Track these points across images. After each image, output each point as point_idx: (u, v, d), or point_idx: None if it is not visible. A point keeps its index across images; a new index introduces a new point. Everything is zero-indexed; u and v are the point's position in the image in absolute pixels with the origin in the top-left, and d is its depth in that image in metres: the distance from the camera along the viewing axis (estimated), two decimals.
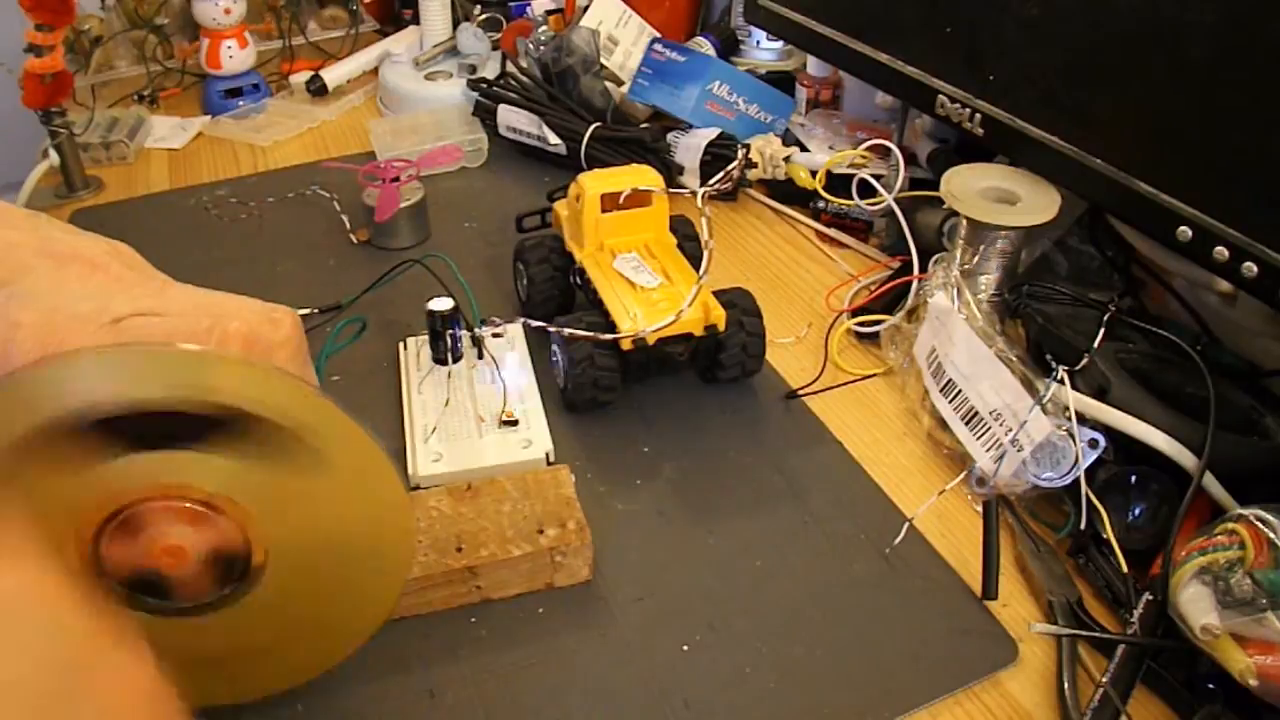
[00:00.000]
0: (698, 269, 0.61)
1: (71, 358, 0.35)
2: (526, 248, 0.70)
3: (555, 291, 0.69)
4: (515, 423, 0.60)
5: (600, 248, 0.66)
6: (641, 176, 0.66)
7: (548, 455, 0.58)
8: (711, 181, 0.73)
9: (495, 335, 0.66)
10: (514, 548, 0.50)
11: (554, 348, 0.63)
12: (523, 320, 0.62)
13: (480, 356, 0.64)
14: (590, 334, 0.59)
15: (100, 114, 1.00)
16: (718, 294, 0.63)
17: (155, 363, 0.37)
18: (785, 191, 0.88)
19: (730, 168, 0.78)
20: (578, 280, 0.68)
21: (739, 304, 0.63)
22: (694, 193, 0.65)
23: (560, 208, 0.71)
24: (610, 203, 0.65)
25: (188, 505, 0.39)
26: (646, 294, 0.62)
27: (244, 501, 0.40)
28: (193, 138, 1.01)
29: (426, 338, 0.64)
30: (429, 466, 0.57)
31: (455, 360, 0.64)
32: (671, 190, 0.68)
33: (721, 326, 0.62)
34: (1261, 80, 0.49)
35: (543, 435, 0.59)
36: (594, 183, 0.65)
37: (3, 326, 0.36)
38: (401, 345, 0.67)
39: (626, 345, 0.60)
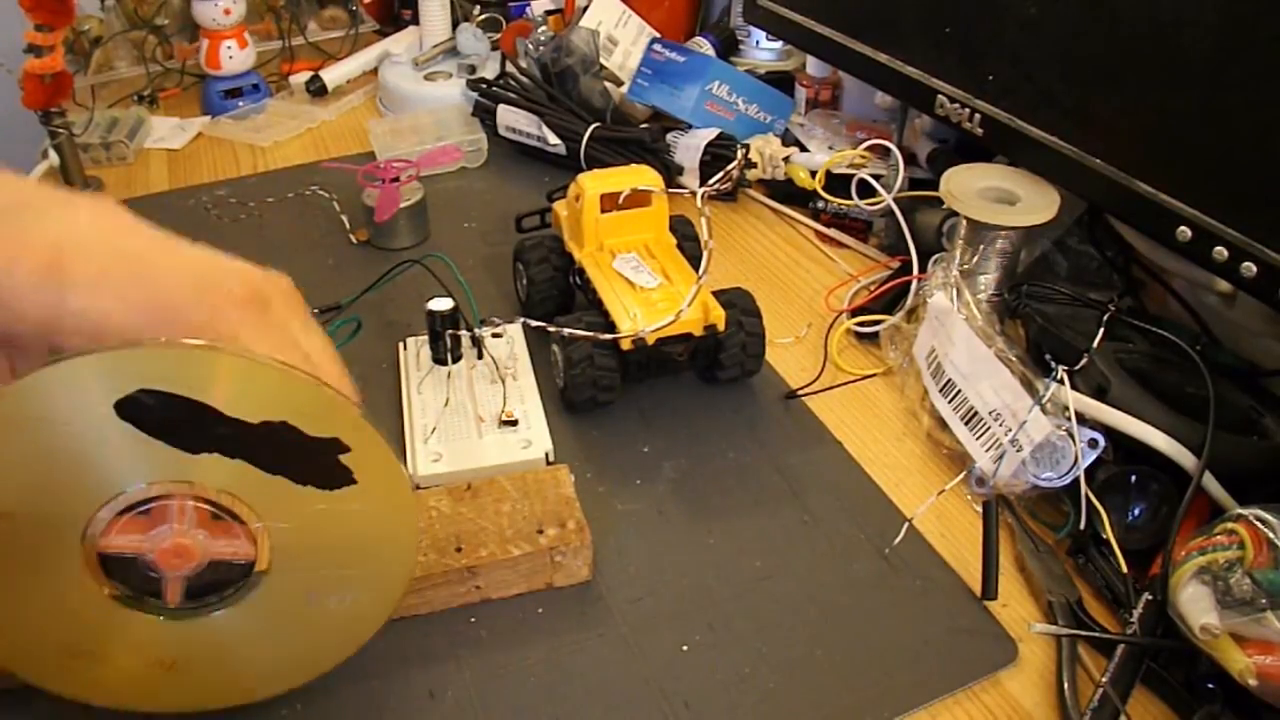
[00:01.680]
0: (697, 269, 0.61)
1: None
2: (526, 248, 0.70)
3: (555, 292, 0.69)
4: (515, 423, 0.60)
5: (600, 248, 0.66)
6: (641, 177, 0.66)
7: (547, 455, 0.58)
8: (710, 182, 0.73)
9: (495, 335, 0.66)
10: (514, 547, 0.50)
11: (554, 347, 0.63)
12: (522, 320, 0.62)
13: (480, 356, 0.64)
14: (589, 334, 0.59)
15: (100, 114, 1.00)
16: (717, 294, 0.63)
17: (165, 360, 0.37)
18: (785, 191, 0.88)
19: (730, 168, 0.78)
20: (577, 280, 0.68)
21: (738, 304, 0.63)
22: (693, 193, 0.65)
23: (560, 208, 0.71)
24: (610, 203, 0.65)
25: (210, 510, 0.39)
26: (646, 294, 0.62)
27: (259, 507, 0.40)
28: (192, 138, 1.01)
29: (426, 338, 0.64)
30: (428, 466, 0.57)
31: (455, 360, 0.64)
32: (671, 191, 0.68)
33: (721, 326, 0.62)
34: (1261, 80, 0.49)
35: (542, 435, 0.59)
36: (593, 183, 0.65)
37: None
38: (401, 345, 0.67)
39: (626, 345, 0.60)
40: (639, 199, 0.66)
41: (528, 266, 0.69)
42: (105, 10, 1.09)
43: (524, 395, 0.62)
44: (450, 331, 0.63)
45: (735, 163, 0.80)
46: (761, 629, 0.50)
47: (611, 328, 0.60)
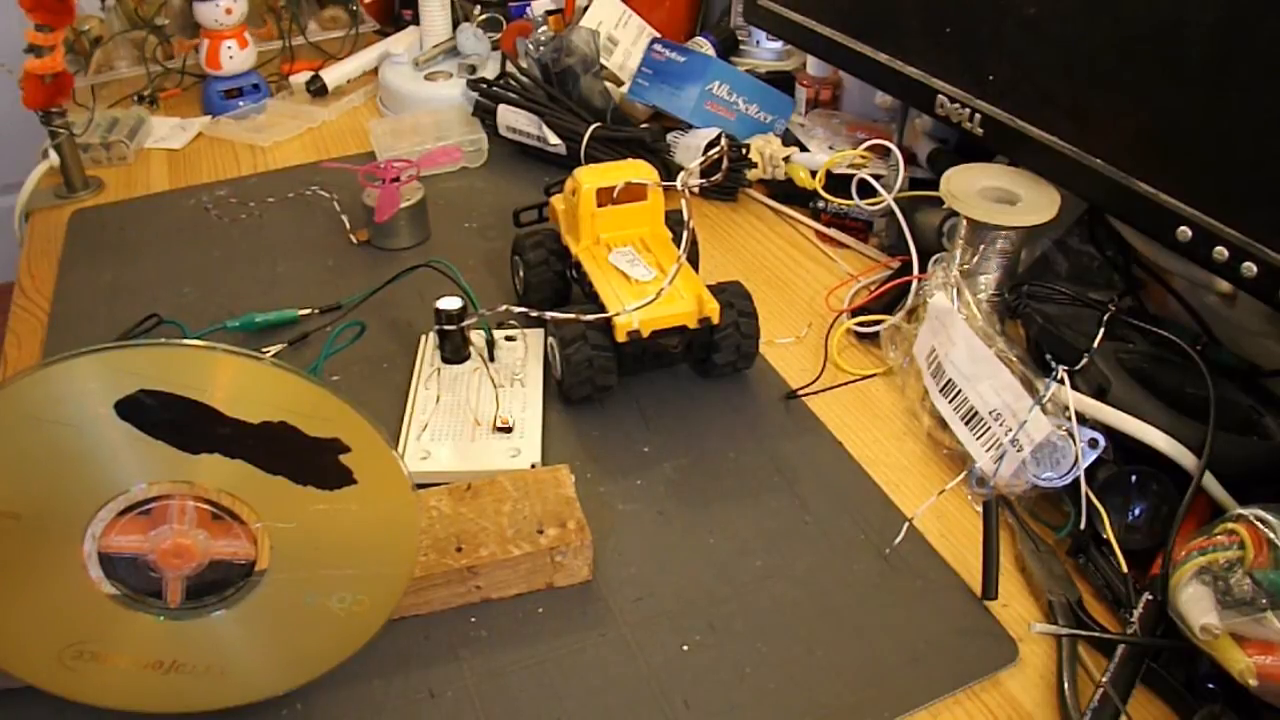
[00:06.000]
0: (694, 265, 0.60)
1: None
2: (524, 242, 0.70)
3: (551, 285, 0.69)
4: (509, 430, 0.60)
5: (596, 241, 0.66)
6: (636, 170, 0.66)
7: (533, 467, 0.58)
8: (691, 166, 0.73)
9: (509, 339, 0.66)
10: (514, 547, 0.50)
11: (549, 340, 0.63)
12: (505, 307, 0.61)
13: (492, 359, 0.64)
14: (573, 315, 0.58)
15: (100, 114, 1.00)
16: (711, 289, 0.63)
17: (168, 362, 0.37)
18: (785, 191, 0.88)
19: (712, 153, 0.78)
20: (574, 274, 0.68)
21: (730, 288, 0.64)
22: (684, 185, 0.64)
23: (557, 202, 0.71)
24: (605, 197, 0.65)
25: (211, 510, 0.39)
26: (641, 287, 0.62)
27: (259, 507, 0.40)
28: (193, 138, 1.01)
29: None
30: (415, 464, 0.57)
31: (459, 360, 0.64)
32: (665, 185, 0.68)
33: (715, 319, 0.62)
34: (1261, 80, 0.49)
35: (533, 446, 0.59)
36: (589, 177, 0.65)
37: None
38: (424, 338, 0.67)
39: (621, 337, 0.60)
40: (635, 194, 0.66)
41: (525, 260, 0.69)
42: (105, 10, 1.10)
43: (527, 402, 0.62)
44: (452, 327, 0.62)
45: (719, 148, 0.79)
46: (761, 629, 0.50)
47: (607, 321, 0.60)
